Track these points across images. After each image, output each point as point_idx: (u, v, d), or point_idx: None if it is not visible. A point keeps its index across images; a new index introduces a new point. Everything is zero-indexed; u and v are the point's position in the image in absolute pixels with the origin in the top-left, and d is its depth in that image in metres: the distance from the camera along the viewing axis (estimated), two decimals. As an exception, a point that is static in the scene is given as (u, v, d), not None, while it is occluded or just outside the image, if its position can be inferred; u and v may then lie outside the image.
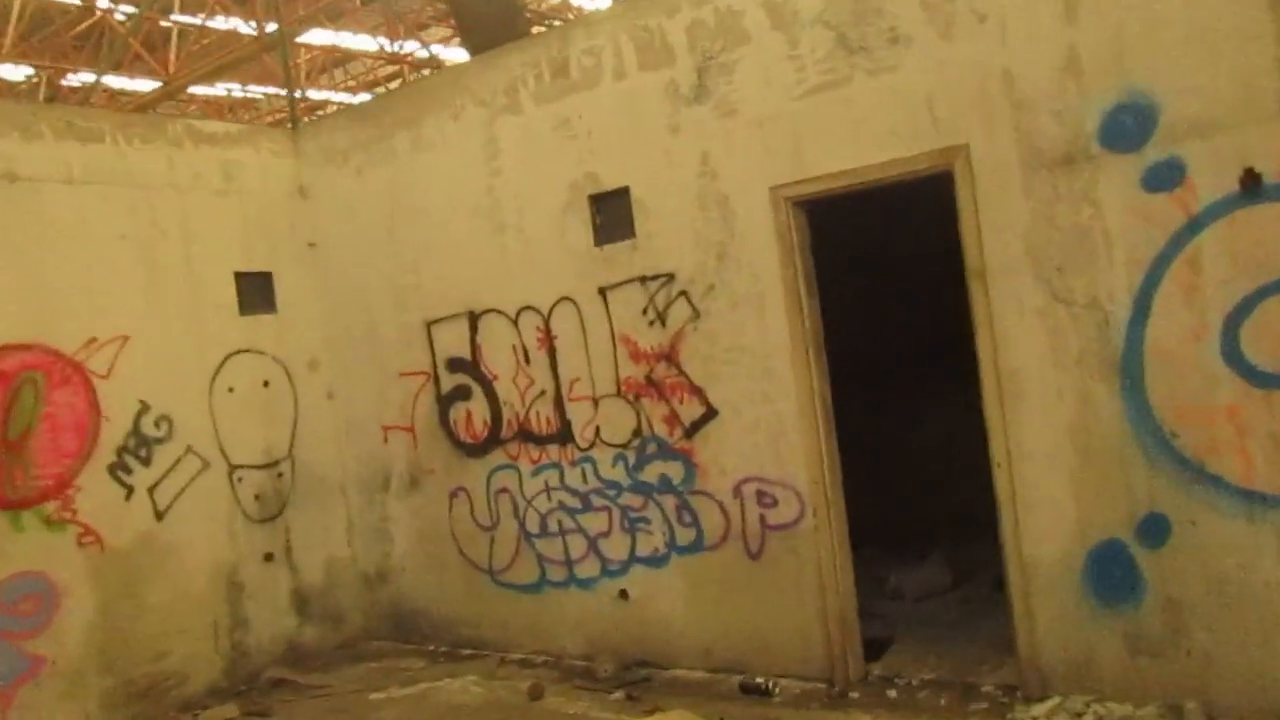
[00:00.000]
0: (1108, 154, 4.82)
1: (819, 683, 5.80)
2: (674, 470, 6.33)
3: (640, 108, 6.25)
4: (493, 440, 7.16)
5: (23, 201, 6.55)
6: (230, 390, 7.48)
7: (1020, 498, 5.16)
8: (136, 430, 6.91)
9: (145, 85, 16.39)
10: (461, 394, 7.31)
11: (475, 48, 8.07)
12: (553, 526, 6.92)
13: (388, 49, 17.81)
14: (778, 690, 5.81)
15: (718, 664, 6.22)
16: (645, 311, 6.34)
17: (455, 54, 16.74)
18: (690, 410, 6.23)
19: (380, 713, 6.40)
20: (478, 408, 7.21)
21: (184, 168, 7.39)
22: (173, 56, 16.09)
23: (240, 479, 7.47)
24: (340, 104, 18.66)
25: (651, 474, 6.43)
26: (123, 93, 16.90)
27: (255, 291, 7.72)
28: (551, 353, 6.81)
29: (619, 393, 6.52)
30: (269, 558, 7.55)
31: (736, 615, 6.14)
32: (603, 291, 6.52)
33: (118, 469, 6.80)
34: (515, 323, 6.96)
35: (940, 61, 5.21)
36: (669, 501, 6.37)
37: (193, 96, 18.56)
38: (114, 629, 6.65)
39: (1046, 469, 5.08)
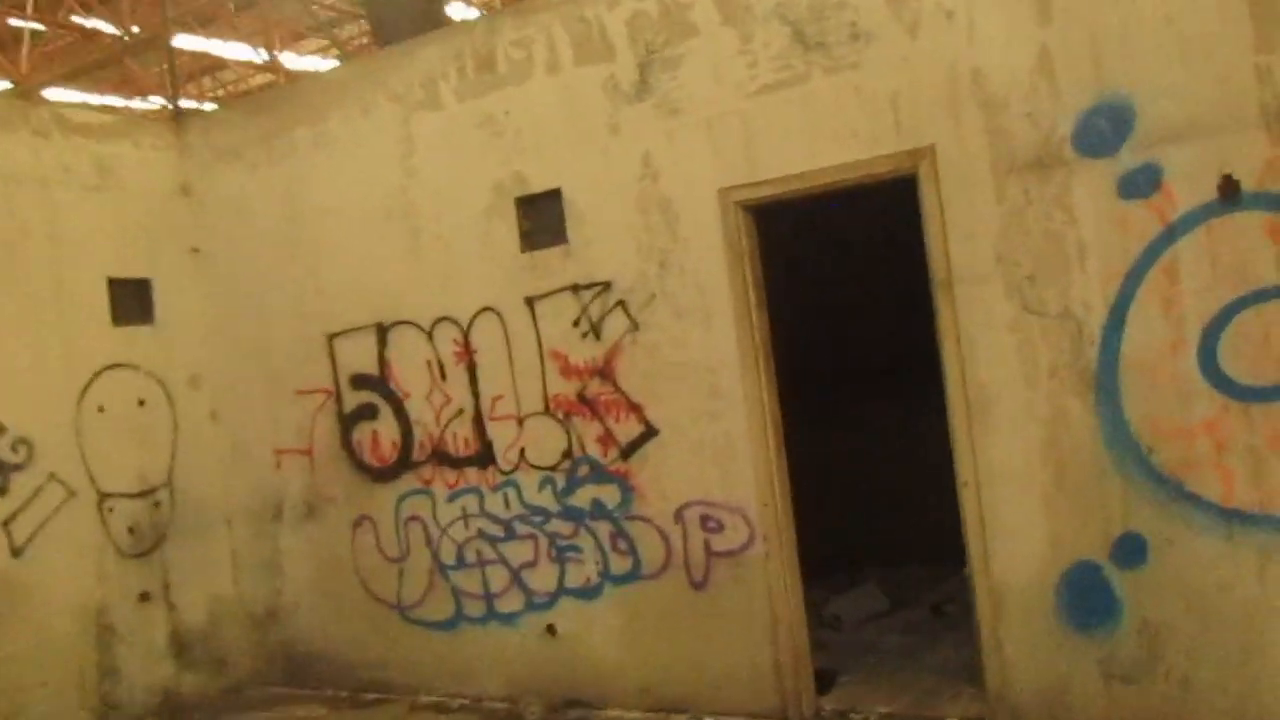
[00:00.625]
0: (1082, 158, 4.63)
1: (769, 720, 5.43)
2: (609, 494, 5.87)
3: (575, 104, 5.82)
4: (403, 464, 6.56)
5: None
6: (100, 410, 6.68)
7: (989, 519, 4.90)
8: (-10, 455, 6.06)
9: (-4, 86, 15.10)
10: (367, 413, 6.69)
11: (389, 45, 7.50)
12: (471, 557, 6.36)
13: (262, 59, 16.92)
14: (725, 730, 5.41)
15: (657, 703, 5.76)
16: (577, 323, 5.89)
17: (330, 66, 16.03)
18: (627, 429, 5.79)
19: (278, 770, 5.72)
20: (386, 428, 6.61)
21: (51, 160, 6.59)
22: (24, 55, 14.87)
23: (111, 509, 6.65)
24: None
25: (583, 498, 5.95)
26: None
27: (131, 300, 6.94)
28: (471, 368, 6.28)
29: (547, 411, 6.03)
30: (144, 597, 6.75)
31: (678, 650, 5.71)
32: (530, 301, 6.04)
33: (-33, 500, 5.95)
34: (430, 336, 6.40)
35: (905, 59, 4.96)
36: (603, 528, 5.90)
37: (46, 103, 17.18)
38: (-40, 684, 5.77)
39: (1017, 488, 4.84)
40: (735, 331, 5.44)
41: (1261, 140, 4.31)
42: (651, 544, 5.75)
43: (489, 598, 6.30)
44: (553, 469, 6.03)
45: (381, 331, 6.57)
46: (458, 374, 6.32)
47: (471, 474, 6.32)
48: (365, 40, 14.87)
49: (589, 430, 5.90)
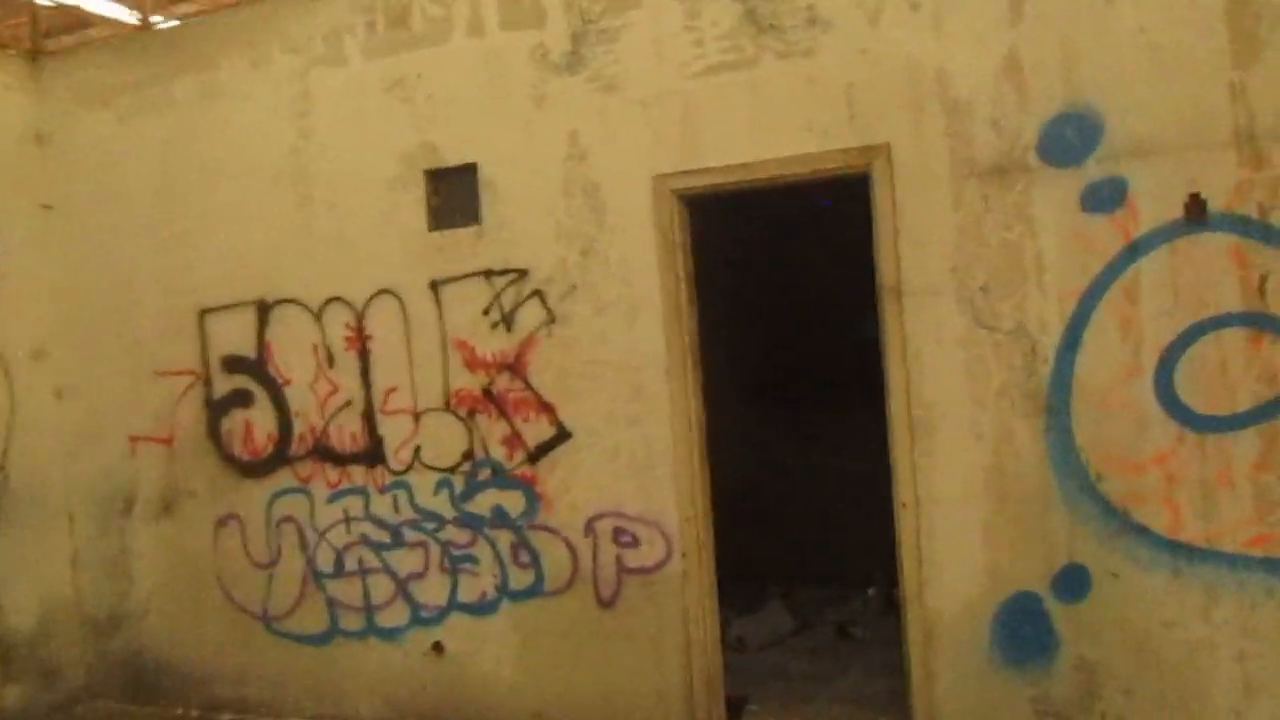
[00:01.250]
0: (1046, 167, 4.39)
1: (677, 752, 5.01)
2: (512, 501, 5.37)
3: (498, 72, 5.31)
4: (279, 458, 5.89)
5: None
6: (-77, 381, 5.80)
7: (926, 544, 4.61)
8: None
9: None
10: (240, 400, 5.99)
11: None
12: (351, 565, 5.75)
13: (134, 18, 15.65)
14: (630, 763, 4.97)
15: (554, 731, 5.29)
16: (488, 312, 5.37)
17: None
18: (537, 431, 5.30)
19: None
20: (261, 418, 5.93)
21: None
22: None
23: (-70, 495, 5.78)
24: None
25: (483, 504, 5.43)
26: None
27: (-34, 258, 6.07)
28: (364, 355, 5.67)
29: (447, 406, 5.49)
30: (-37, 598, 5.89)
31: (580, 673, 5.24)
32: (435, 285, 5.48)
33: None
34: (318, 317, 5.77)
35: (864, 50, 4.64)
36: (503, 538, 5.39)
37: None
38: None
39: (957, 512, 4.56)
40: (663, 330, 5.02)
41: (1232, 160, 4.14)
42: (557, 557, 5.28)
43: (369, 610, 5.70)
44: (450, 471, 5.49)
45: (262, 309, 5.89)
46: (348, 361, 5.71)
47: (357, 473, 5.71)
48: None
49: (494, 430, 5.38)
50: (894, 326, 4.63)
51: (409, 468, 5.58)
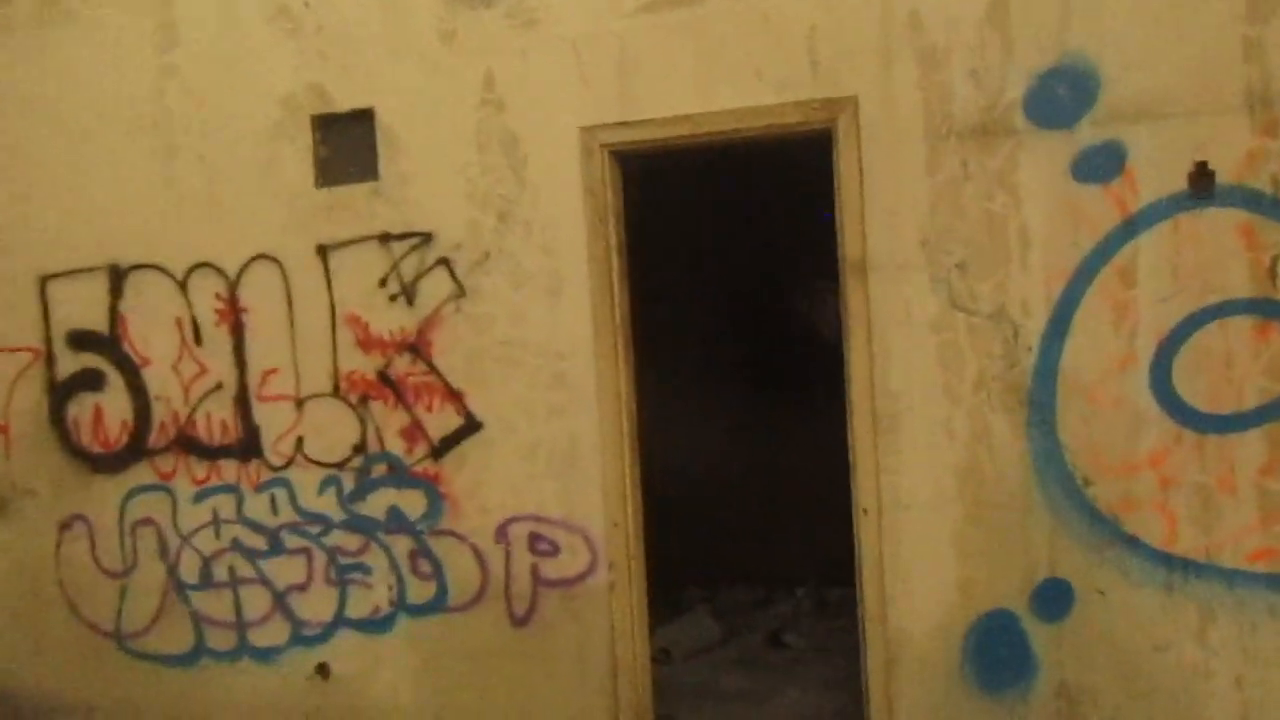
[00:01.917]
0: (1033, 129, 3.86)
1: (601, 790, 4.39)
2: (411, 502, 4.65)
3: (400, 2, 4.55)
4: (135, 450, 5.03)
5: None
6: None
7: (890, 555, 4.07)
8: None
9: None
10: (89, 382, 5.10)
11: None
12: (221, 575, 4.94)
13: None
14: (547, 804, 4.33)
15: (459, 765, 4.61)
16: (385, 283, 4.63)
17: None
18: (442, 421, 4.59)
19: None
20: (114, 403, 5.06)
21: None
22: None
23: None
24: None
25: (377, 506, 4.70)
26: None
27: None
28: (237, 331, 4.86)
29: (336, 392, 4.73)
30: None
31: (490, 699, 4.57)
32: (323, 250, 4.71)
33: None
34: (183, 286, 4.93)
35: (829, -12, 4.03)
36: (401, 544, 4.67)
37: None
38: None
39: (926, 519, 4.02)
40: (591, 307, 4.36)
41: (1244, 126, 3.67)
42: (464, 567, 4.58)
43: (242, 627, 4.91)
44: (339, 467, 4.73)
45: (116, 276, 5.02)
46: (218, 338, 4.89)
47: (228, 468, 4.90)
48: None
49: (391, 420, 4.65)
50: (858, 306, 4.05)
51: (290, 462, 4.80)
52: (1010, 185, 3.88)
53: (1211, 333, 3.73)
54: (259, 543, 4.88)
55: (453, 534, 4.60)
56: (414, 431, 4.63)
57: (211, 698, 4.97)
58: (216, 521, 4.94)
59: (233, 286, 4.85)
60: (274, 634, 4.87)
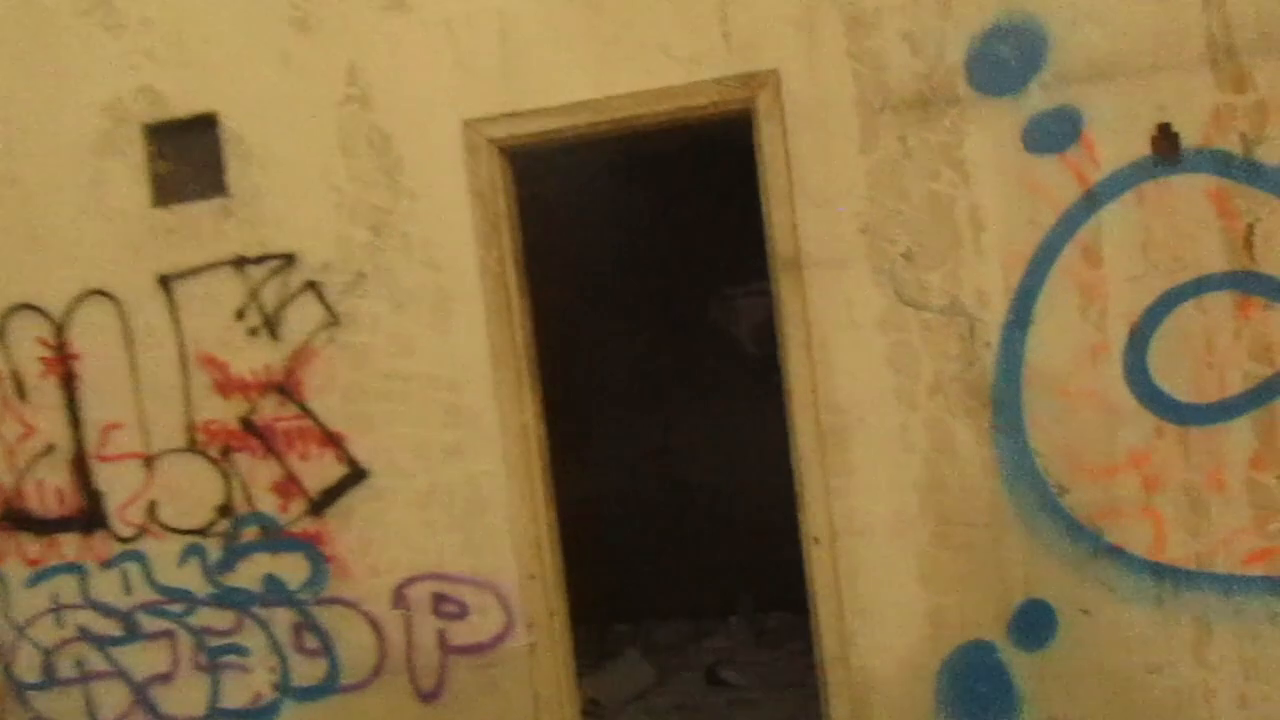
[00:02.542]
0: (978, 97, 3.43)
1: None
2: (291, 567, 3.98)
3: (242, -13, 3.91)
4: (-48, 530, 4.25)
5: None
6: None
7: (848, 588, 3.57)
8: None
9: None
10: (-108, 452, 4.30)
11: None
12: (67, 670, 4.19)
13: None
14: None
15: None
16: (243, 315, 3.96)
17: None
18: (321, 471, 3.94)
19: None
20: (-76, 475, 4.27)
21: None
22: None
23: None
24: None
25: (250, 575, 4.02)
26: None
27: None
28: (68, 381, 4.13)
29: (193, 446, 4.03)
30: None
31: (397, 792, 3.93)
32: (166, 281, 4.02)
33: None
34: (1, 333, 4.18)
35: (739, -52, 3.54)
36: (281, 618, 4.00)
37: None
38: None
39: (887, 546, 3.54)
40: (487, 329, 3.77)
41: (1207, 82, 3.29)
42: (357, 639, 3.94)
43: (96, 730, 4.17)
44: (202, 533, 4.04)
45: (-83, 325, 4.24)
46: (46, 390, 4.14)
47: (68, 543, 4.16)
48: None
49: (260, 474, 3.98)
50: (793, 308, 3.55)
51: (142, 532, 4.09)
52: (956, 161, 3.44)
53: (1188, 313, 3.34)
54: (111, 628, 4.14)
55: (342, 601, 3.95)
56: (288, 486, 3.96)
57: (63, 818, 4.21)
58: (58, 608, 4.19)
59: (59, 329, 4.11)
60: (135, 735, 4.14)
